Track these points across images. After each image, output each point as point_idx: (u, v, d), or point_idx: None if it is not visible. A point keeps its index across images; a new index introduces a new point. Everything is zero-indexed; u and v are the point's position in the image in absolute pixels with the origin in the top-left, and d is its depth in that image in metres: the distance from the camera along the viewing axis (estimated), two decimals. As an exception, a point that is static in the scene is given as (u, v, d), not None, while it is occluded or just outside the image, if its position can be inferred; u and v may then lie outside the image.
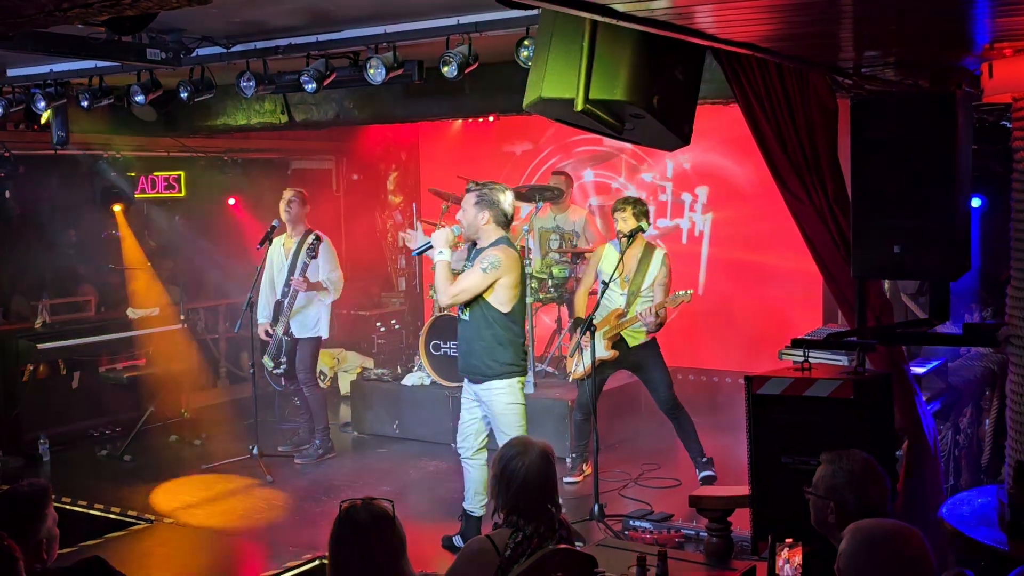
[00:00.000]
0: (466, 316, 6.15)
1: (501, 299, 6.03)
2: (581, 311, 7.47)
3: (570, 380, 7.54)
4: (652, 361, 7.38)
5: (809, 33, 4.02)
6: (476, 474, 6.27)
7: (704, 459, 7.38)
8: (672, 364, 7.65)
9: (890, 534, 2.88)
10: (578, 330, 7.19)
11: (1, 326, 8.96)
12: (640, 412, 8.78)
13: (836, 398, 4.57)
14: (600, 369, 7.16)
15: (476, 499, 6.28)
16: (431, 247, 6.13)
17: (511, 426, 6.00)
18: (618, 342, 7.28)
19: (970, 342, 5.83)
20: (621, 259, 7.20)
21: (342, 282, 8.45)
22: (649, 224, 7.30)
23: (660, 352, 7.41)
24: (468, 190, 6.29)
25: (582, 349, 7.17)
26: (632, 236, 7.19)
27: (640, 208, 7.23)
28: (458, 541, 6.25)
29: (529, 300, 8.67)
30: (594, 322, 7.01)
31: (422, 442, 8.70)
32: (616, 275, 7.18)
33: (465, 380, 6.27)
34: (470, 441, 6.24)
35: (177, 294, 10.57)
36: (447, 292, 6.04)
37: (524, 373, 6.18)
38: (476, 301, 6.05)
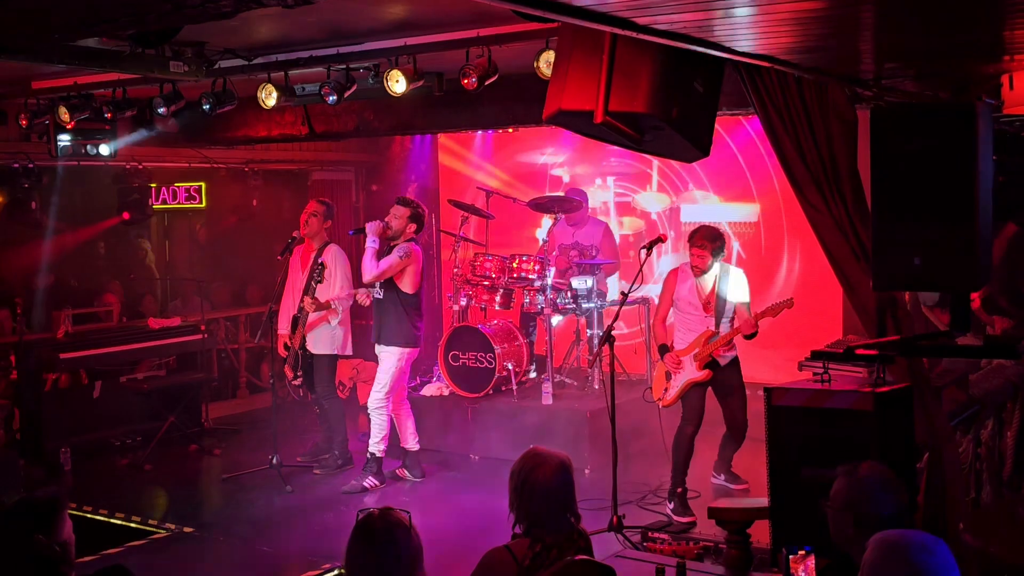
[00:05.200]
0: (380, 294, 7.89)
1: (408, 283, 7.83)
2: (662, 338, 7.38)
3: (661, 407, 7.51)
4: (735, 382, 7.37)
5: (829, 45, 4.03)
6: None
7: (730, 470, 7.53)
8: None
9: (915, 545, 2.86)
10: (660, 357, 7.31)
11: (24, 336, 9.02)
12: (659, 423, 8.74)
13: (856, 410, 4.56)
14: (690, 394, 7.21)
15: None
16: (364, 233, 7.89)
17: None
18: (710, 363, 7.21)
19: (991, 354, 5.80)
20: (697, 286, 7.20)
21: (351, 300, 8.33)
22: (724, 253, 7.23)
23: (742, 375, 7.43)
24: (401, 203, 7.98)
25: (669, 375, 7.26)
26: (652, 246, 7.24)
27: (719, 244, 7.12)
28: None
29: (548, 311, 8.70)
30: (669, 348, 7.24)
31: (440, 452, 8.70)
32: (697, 300, 7.21)
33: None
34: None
35: (198, 304, 10.62)
36: (372, 271, 7.76)
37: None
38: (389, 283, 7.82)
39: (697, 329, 7.24)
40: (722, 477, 7.60)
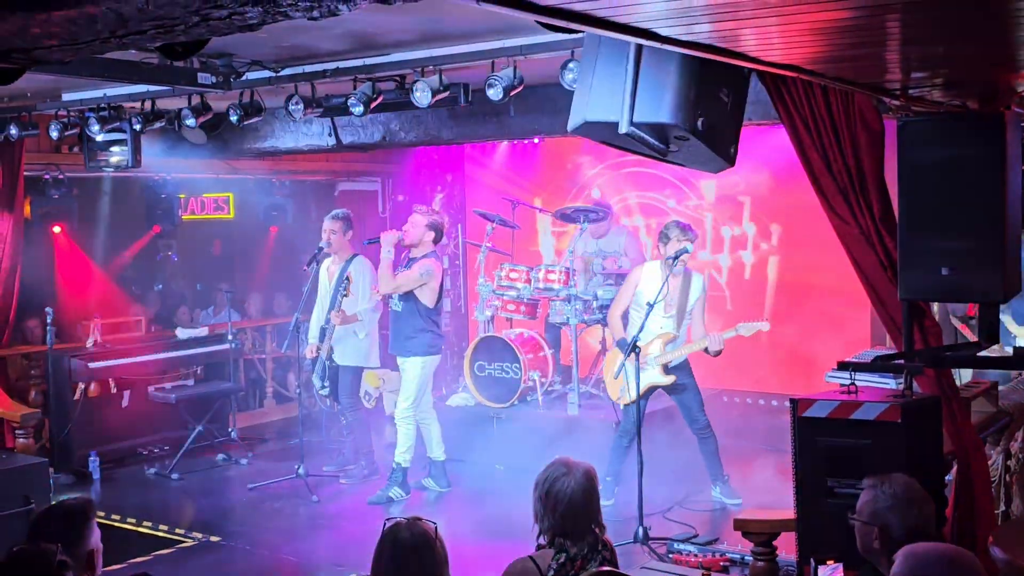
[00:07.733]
0: (399, 307, 7.85)
1: (427, 297, 7.81)
2: (620, 332, 7.46)
3: (617, 403, 7.57)
4: (688, 382, 7.43)
5: (855, 55, 4.01)
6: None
7: (725, 476, 7.56)
8: (718, 386, 7.58)
9: (945, 558, 2.84)
10: (623, 353, 7.11)
11: (54, 345, 9.11)
12: (685, 434, 8.71)
13: (883, 421, 4.53)
14: (646, 393, 7.21)
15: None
16: (379, 243, 7.87)
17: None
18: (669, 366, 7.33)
19: (1021, 366, 5.75)
20: (667, 282, 7.17)
21: (379, 312, 8.46)
22: (693, 246, 7.31)
23: (692, 373, 7.48)
24: (419, 212, 8.01)
25: (627, 373, 7.12)
26: (677, 258, 7.18)
27: (689, 235, 7.26)
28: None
29: (573, 322, 8.70)
30: (639, 344, 6.96)
31: (465, 462, 8.70)
32: (661, 298, 7.13)
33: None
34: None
35: (226, 314, 10.69)
36: (389, 283, 7.77)
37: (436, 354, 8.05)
38: (408, 295, 7.81)
39: (653, 329, 7.22)
40: (717, 488, 7.57)
